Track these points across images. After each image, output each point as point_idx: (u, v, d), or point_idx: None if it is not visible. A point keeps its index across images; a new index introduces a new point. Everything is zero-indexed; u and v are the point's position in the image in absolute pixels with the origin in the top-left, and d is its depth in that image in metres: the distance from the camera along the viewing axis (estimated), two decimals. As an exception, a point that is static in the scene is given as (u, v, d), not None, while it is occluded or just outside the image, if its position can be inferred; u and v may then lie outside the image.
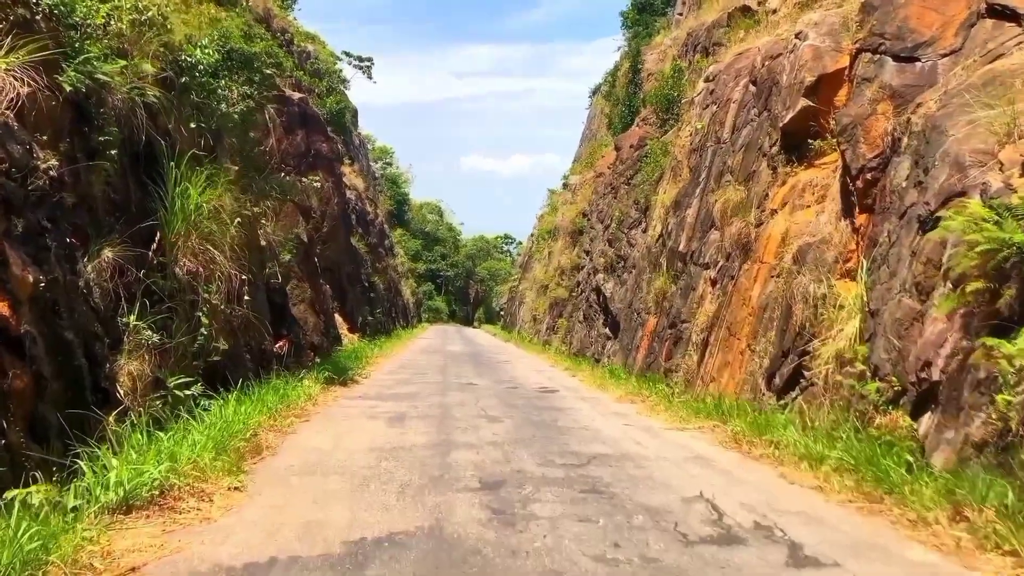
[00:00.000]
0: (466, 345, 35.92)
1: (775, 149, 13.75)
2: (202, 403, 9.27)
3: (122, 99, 9.31)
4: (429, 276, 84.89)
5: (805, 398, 10.81)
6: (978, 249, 6.63)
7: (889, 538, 5.41)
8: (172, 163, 10.14)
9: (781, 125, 13.38)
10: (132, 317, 8.51)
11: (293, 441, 8.32)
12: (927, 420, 7.41)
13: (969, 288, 6.57)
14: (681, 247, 17.26)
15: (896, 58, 10.60)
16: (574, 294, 29.91)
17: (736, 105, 16.59)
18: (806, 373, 10.82)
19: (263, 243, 14.92)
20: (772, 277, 12.38)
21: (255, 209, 15.09)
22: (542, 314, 36.84)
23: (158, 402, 8.77)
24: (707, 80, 19.45)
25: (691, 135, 19.35)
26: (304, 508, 5.62)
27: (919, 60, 10.41)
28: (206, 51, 11.29)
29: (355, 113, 61.13)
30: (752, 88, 15.88)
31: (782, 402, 11.21)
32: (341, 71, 33.92)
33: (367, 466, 7.11)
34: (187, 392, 9.20)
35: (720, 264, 15.05)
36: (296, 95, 25.01)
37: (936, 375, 7.30)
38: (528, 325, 42.55)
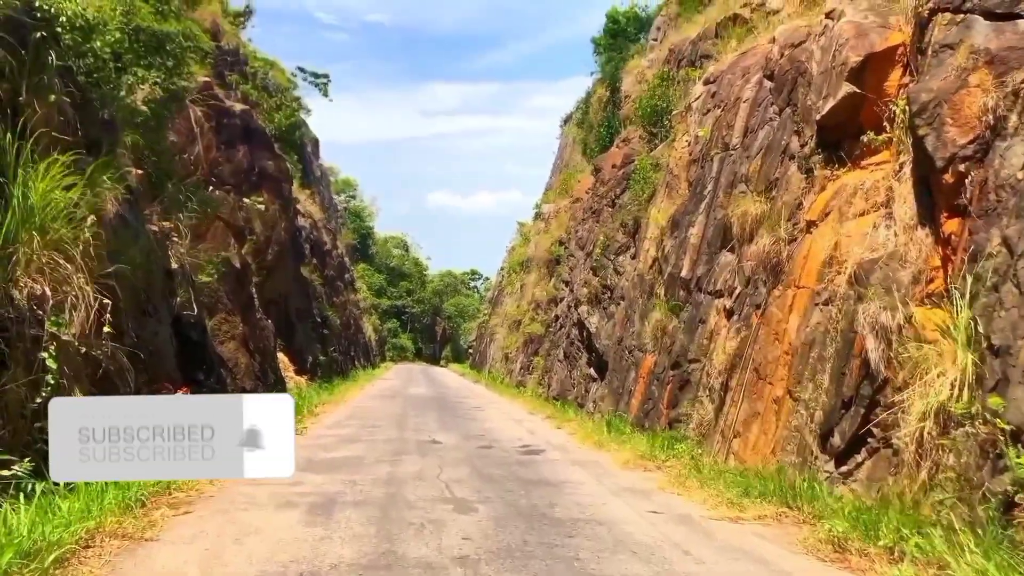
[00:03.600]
0: (431, 387, 32.76)
1: (808, 148, 11.20)
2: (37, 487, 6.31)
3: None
4: (394, 312, 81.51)
5: (877, 465, 8.12)
6: None
7: None
8: (15, 141, 7.29)
9: (817, 118, 10.85)
10: (-91, 361, 5.59)
11: (134, 563, 5.23)
12: None
13: None
14: (683, 272, 14.60)
15: (989, 16, 8.08)
16: (551, 329, 27.10)
17: (748, 105, 14.08)
18: (876, 431, 8.13)
19: (174, 265, 12.00)
20: (817, 305, 9.74)
21: (164, 223, 12.21)
22: (515, 352, 33.95)
23: (-45, 490, 5.86)
24: (707, 83, 16.99)
25: (689, 145, 16.83)
26: None
27: (1023, 16, 7.91)
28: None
29: (316, 143, 58.47)
30: (768, 83, 13.40)
31: (843, 469, 8.50)
32: (295, 88, 31.10)
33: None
34: (13, 470, 6.29)
35: (738, 291, 12.40)
36: (238, 106, 22.16)
37: None
38: (499, 364, 39.60)
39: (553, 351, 25.60)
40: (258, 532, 6.15)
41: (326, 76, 34.13)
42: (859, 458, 8.39)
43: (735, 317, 12.31)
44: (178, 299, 11.83)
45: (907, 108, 9.10)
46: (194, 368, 12.12)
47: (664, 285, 15.57)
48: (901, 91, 9.98)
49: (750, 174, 12.95)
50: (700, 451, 10.33)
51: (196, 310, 12.14)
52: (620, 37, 36.28)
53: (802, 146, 11.47)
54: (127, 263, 9.81)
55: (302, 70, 33.81)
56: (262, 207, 21.70)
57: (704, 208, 14.56)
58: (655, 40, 33.04)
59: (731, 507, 7.58)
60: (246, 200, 21.40)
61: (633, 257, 19.06)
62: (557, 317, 26.24)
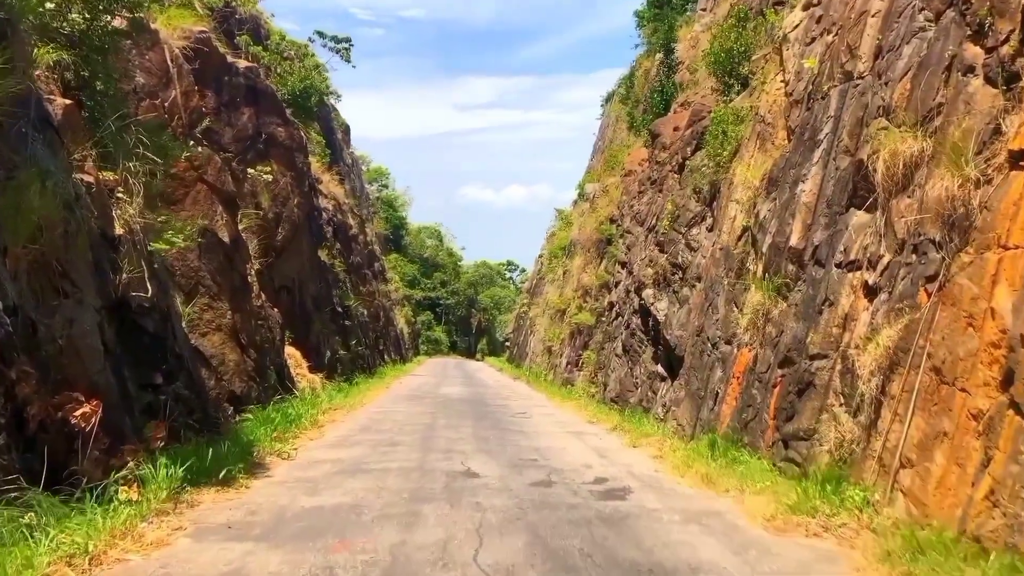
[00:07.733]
0: (466, 386, 29.49)
1: (1005, 52, 7.77)
2: None
3: None
4: (428, 304, 78.60)
5: None
6: None
7: None
8: None
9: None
10: None
11: None
12: None
13: None
14: (792, 241, 11.27)
15: None
16: (604, 319, 23.74)
17: (878, 19, 10.70)
18: None
19: (119, 231, 8.94)
20: (1054, 271, 6.36)
21: (107, 174, 9.16)
22: (559, 345, 30.63)
23: None
24: (808, 6, 13.59)
25: (787, 85, 13.44)
26: None
27: None
28: None
29: (347, 130, 55.81)
30: (912, -14, 9.98)
31: None
32: (311, 54, 28.01)
33: None
34: None
35: (886, 260, 9.05)
36: (242, 63, 19.18)
37: None
38: (540, 358, 36.33)
39: (608, 344, 22.26)
40: None
41: (347, 40, 31.02)
42: None
43: (883, 296, 8.97)
44: (124, 275, 8.76)
45: None
46: (149, 368, 9.09)
47: (762, 259, 12.23)
48: None
49: (895, 103, 9.56)
50: (879, 497, 6.93)
51: (151, 291, 9.07)
52: (665, 7, 34.05)
53: (988, 51, 8.06)
54: (27, 216, 6.80)
55: (321, 35, 30.75)
56: (269, 178, 18.71)
57: (819, 157, 11.19)
58: (703, 9, 30.66)
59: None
60: (251, 171, 18.43)
61: (711, 229, 15.70)
62: (612, 304, 22.89)
